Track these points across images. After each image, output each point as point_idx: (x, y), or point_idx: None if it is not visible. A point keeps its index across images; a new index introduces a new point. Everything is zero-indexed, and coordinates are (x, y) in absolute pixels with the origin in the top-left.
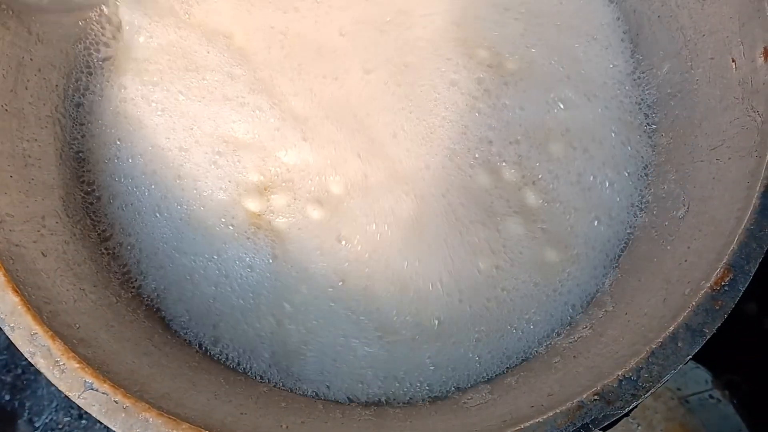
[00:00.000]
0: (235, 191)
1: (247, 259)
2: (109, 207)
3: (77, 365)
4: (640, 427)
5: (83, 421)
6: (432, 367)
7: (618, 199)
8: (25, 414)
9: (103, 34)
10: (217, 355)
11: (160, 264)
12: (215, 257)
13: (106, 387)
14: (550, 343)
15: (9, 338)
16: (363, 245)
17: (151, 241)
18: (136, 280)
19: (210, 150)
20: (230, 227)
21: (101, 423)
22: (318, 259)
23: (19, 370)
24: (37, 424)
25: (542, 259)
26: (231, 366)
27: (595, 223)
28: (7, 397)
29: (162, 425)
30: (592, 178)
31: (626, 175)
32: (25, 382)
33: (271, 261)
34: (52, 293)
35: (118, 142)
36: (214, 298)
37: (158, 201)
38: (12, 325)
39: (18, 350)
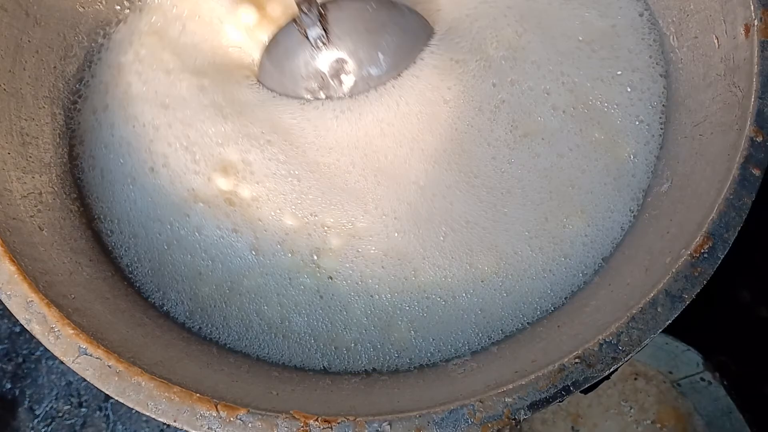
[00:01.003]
0: (207, 169)
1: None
2: (89, 174)
3: (72, 331)
4: (632, 410)
5: (83, 409)
6: (417, 338)
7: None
8: (26, 402)
9: (102, 18)
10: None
11: (134, 232)
12: (187, 226)
13: (99, 352)
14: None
15: (10, 329)
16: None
17: (125, 209)
18: (115, 251)
19: (182, 135)
20: (200, 203)
21: (101, 411)
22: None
23: (20, 359)
24: (37, 412)
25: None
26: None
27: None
28: (8, 386)
29: (154, 388)
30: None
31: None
32: (25, 371)
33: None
34: (48, 265)
35: (100, 113)
36: (185, 266)
37: (131, 171)
38: (8, 293)
39: (19, 340)
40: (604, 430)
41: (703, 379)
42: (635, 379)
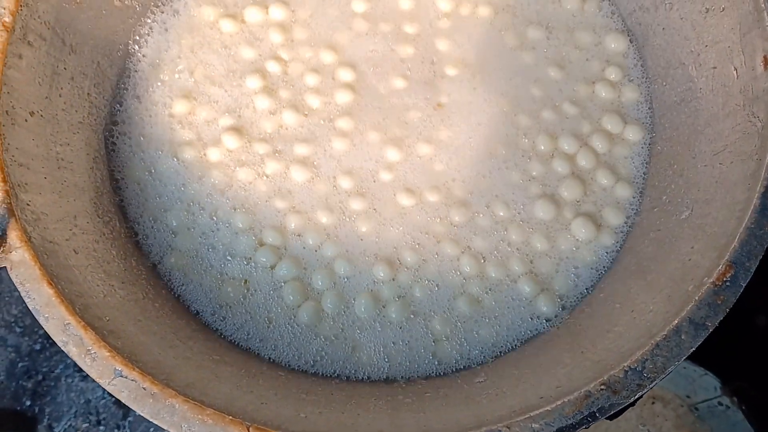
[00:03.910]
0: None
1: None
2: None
3: (108, 353)
4: None
5: (101, 427)
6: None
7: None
8: (45, 419)
9: (137, 43)
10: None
11: (167, 254)
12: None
13: (135, 374)
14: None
15: (30, 347)
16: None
17: (159, 233)
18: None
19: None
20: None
21: (119, 429)
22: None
23: (40, 377)
24: (56, 430)
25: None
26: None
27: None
28: (28, 403)
29: (188, 411)
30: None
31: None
32: (45, 389)
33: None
34: (83, 288)
35: (133, 137)
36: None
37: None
38: (47, 315)
39: (39, 358)
40: None
41: (721, 404)
42: (653, 402)
